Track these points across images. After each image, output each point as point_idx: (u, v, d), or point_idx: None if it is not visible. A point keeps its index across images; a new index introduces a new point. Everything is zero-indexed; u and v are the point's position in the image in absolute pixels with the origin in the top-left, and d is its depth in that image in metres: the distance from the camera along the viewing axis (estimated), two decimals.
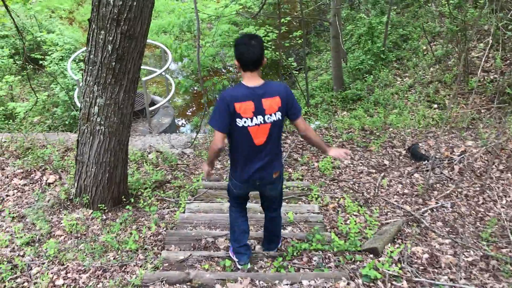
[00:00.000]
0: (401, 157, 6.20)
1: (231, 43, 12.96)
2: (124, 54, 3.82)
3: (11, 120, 8.67)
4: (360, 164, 6.09)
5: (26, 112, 8.71)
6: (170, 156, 6.28)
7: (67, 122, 8.94)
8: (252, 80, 2.98)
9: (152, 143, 6.76)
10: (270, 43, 11.39)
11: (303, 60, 9.25)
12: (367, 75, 11.14)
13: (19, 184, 5.33)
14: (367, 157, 6.22)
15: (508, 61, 8.92)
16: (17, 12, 12.57)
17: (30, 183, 5.38)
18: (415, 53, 11.25)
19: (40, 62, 10.75)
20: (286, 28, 13.17)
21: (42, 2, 15.38)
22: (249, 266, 3.63)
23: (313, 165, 6.03)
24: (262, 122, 3.01)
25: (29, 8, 12.16)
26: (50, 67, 10.49)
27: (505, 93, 8.00)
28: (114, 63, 3.83)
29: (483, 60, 6.14)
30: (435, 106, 9.34)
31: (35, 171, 5.57)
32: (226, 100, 2.96)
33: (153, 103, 7.97)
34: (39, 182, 5.39)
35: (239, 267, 3.63)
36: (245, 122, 2.99)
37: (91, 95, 4.02)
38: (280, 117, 3.05)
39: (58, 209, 4.70)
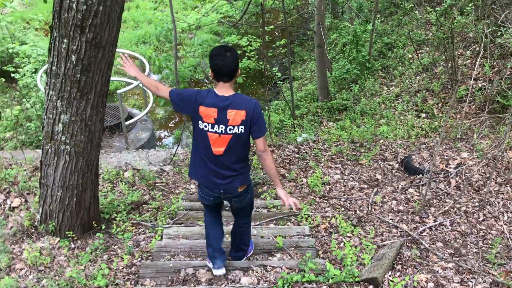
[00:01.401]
0: (393, 171, 5.86)
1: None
2: (90, 64, 3.40)
3: None
4: (351, 179, 5.73)
5: None
6: (148, 174, 5.84)
7: (41, 138, 8.43)
8: (223, 90, 3.02)
9: (128, 160, 6.31)
10: (253, 52, 11.05)
11: (288, 70, 8.91)
12: (352, 85, 10.87)
13: None
14: (358, 172, 5.86)
15: (496, 69, 8.70)
16: None
17: None
18: (401, 62, 11.02)
19: (12, 75, 10.24)
20: (269, 38, 12.89)
21: (15, 13, 14.84)
22: (224, 271, 3.61)
23: (302, 181, 5.65)
24: (223, 132, 3.03)
25: None
26: (22, 79, 9.99)
27: (495, 101, 7.76)
28: (79, 75, 3.41)
29: (476, 67, 5.84)
30: (424, 115, 9.07)
31: None
32: (197, 94, 3.06)
33: (130, 116, 7.53)
34: (1, 206, 4.90)
35: (214, 272, 3.60)
36: (205, 126, 3.05)
37: (54, 111, 3.59)
38: (243, 131, 3.03)
39: (21, 237, 4.23)
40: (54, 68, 3.44)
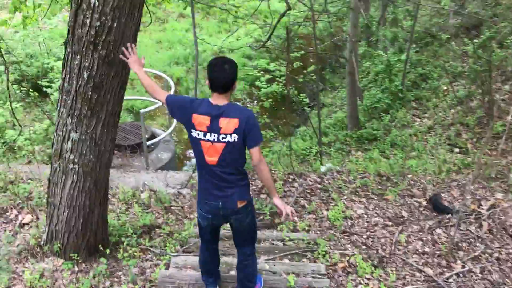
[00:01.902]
0: (421, 209, 5.51)
1: (241, 75, 12.51)
2: (102, 82, 3.29)
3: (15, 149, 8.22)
4: (375, 214, 5.42)
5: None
6: (164, 196, 5.68)
7: None
8: (218, 100, 3.01)
9: (146, 181, 6.17)
10: (283, 77, 10.90)
11: (316, 96, 8.71)
12: (383, 115, 10.56)
13: None
14: (383, 207, 5.54)
15: None
16: (27, 39, 12.35)
17: (4, 222, 4.81)
18: (435, 93, 10.65)
19: (45, 89, 10.39)
20: (301, 63, 12.71)
21: (55, 30, 15.21)
22: None
23: (322, 213, 5.38)
24: (216, 140, 3.00)
25: (38, 34, 11.91)
26: (53, 94, 10.11)
27: None
28: (90, 93, 3.30)
29: None
30: (457, 150, 8.68)
31: (11, 208, 5.01)
32: (192, 102, 3.06)
33: (153, 136, 7.43)
34: (13, 222, 4.81)
35: None
36: (198, 134, 3.03)
37: (64, 129, 3.48)
38: (237, 140, 2.99)
39: (25, 256, 4.10)
40: (65, 84, 3.34)
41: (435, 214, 5.36)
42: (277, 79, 10.96)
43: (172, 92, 6.86)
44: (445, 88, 10.58)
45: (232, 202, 3.14)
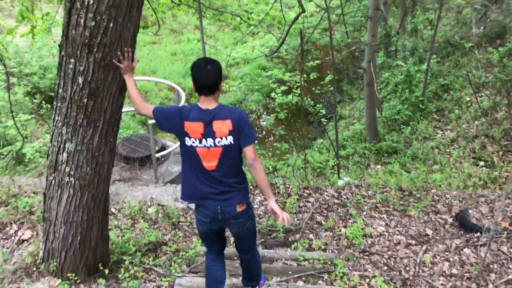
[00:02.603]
0: (447, 226, 5.13)
1: (255, 87, 12.25)
2: (98, 88, 3.02)
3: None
4: (397, 232, 5.05)
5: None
6: (172, 211, 5.39)
7: None
8: (206, 103, 2.94)
9: (154, 195, 5.90)
10: (299, 88, 10.61)
11: (333, 107, 8.38)
12: (404, 126, 10.17)
13: None
14: (406, 224, 5.17)
15: None
16: (41, 51, 12.31)
17: (3, 238, 4.56)
18: (458, 105, 10.24)
19: None
20: (318, 74, 12.43)
21: None
22: None
23: (340, 231, 5.02)
24: (212, 145, 2.94)
25: (52, 46, 11.86)
26: None
27: None
28: (86, 100, 3.03)
29: None
30: (482, 163, 8.26)
31: (11, 223, 4.76)
32: (181, 111, 2.96)
33: (163, 148, 7.17)
34: (12, 238, 4.56)
35: None
36: (193, 142, 2.95)
37: (59, 139, 3.22)
38: (233, 142, 2.95)
39: (20, 276, 3.83)
40: (60, 91, 3.08)
41: (462, 232, 4.98)
42: (294, 90, 10.69)
43: (182, 103, 6.61)
44: (468, 99, 10.16)
45: (231, 206, 3.06)
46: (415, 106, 10.43)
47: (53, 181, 3.38)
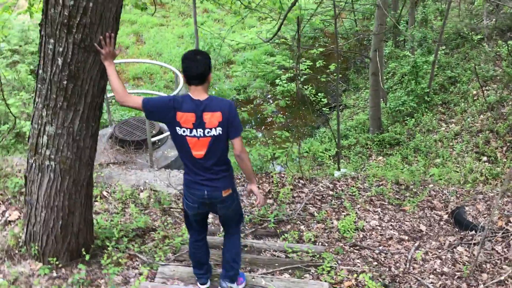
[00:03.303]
0: (441, 223, 5.03)
1: (258, 73, 12.09)
2: (78, 71, 2.92)
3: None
4: (390, 227, 4.96)
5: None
6: (164, 197, 5.33)
7: None
8: (197, 93, 3.03)
9: (148, 180, 5.83)
10: (304, 76, 10.44)
11: (336, 96, 8.24)
12: (408, 118, 10.02)
13: None
14: (400, 219, 5.07)
15: None
16: None
17: None
18: (464, 98, 10.05)
19: None
20: (324, 62, 12.24)
21: None
22: (208, 284, 3.66)
23: (332, 223, 4.94)
24: (202, 135, 3.06)
25: None
26: None
27: None
28: (66, 82, 2.94)
29: None
30: (485, 159, 8.12)
31: (0, 203, 4.72)
32: (173, 101, 3.03)
33: (161, 132, 7.08)
34: (0, 218, 4.52)
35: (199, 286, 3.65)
36: (183, 131, 3.05)
37: (39, 121, 3.14)
38: (221, 133, 3.07)
39: (2, 258, 3.78)
40: (40, 72, 2.99)
41: (457, 229, 4.88)
42: (298, 77, 10.53)
43: (180, 86, 6.49)
44: (474, 92, 9.97)
45: (218, 192, 3.21)
46: (420, 97, 10.26)
47: (34, 164, 3.31)
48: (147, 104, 3.02)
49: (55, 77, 2.93)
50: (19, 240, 3.92)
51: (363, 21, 16.71)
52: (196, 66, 2.96)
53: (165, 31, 17.02)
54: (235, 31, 17.10)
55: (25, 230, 3.72)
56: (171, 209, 5.22)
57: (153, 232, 4.60)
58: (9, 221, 4.45)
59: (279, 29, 5.34)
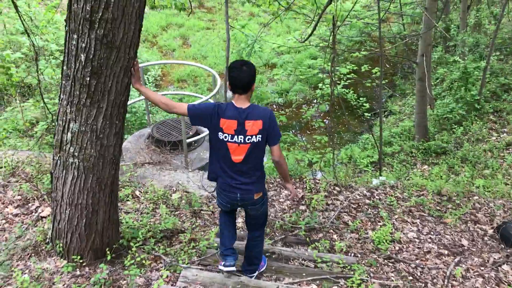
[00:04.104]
0: (485, 238, 4.69)
1: (300, 76, 11.90)
2: (101, 67, 2.88)
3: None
4: (429, 240, 4.67)
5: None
6: (195, 199, 5.26)
7: None
8: (240, 102, 3.20)
9: (181, 181, 5.79)
10: (349, 80, 10.15)
11: (379, 102, 7.95)
12: (456, 126, 9.55)
13: (11, 213, 4.55)
14: (440, 232, 4.77)
15: None
16: None
17: (24, 213, 4.58)
18: None
19: None
20: (369, 67, 11.92)
21: None
22: (234, 268, 3.64)
23: (366, 233, 4.70)
24: (242, 141, 3.21)
25: None
26: None
27: None
28: (88, 78, 2.90)
29: None
30: None
31: (34, 199, 4.79)
32: (217, 108, 3.19)
33: (197, 133, 7.05)
34: (32, 214, 4.57)
35: (224, 269, 3.62)
36: (225, 137, 3.20)
37: (64, 118, 3.12)
38: (260, 139, 3.24)
39: (29, 253, 3.81)
40: (65, 68, 2.97)
41: (503, 246, 4.53)
42: (343, 82, 10.27)
43: (218, 87, 6.44)
44: None
45: (250, 195, 3.40)
46: (470, 105, 9.77)
47: (59, 161, 3.30)
48: (193, 111, 3.22)
49: (78, 74, 2.90)
50: (47, 236, 3.94)
51: (412, 25, 16.21)
52: (243, 76, 3.12)
53: (211, 34, 17.14)
54: (280, 35, 17.02)
55: (51, 226, 3.72)
56: (202, 211, 5.14)
57: (181, 234, 4.53)
58: (42, 217, 4.51)
59: (314, 29, 5.15)
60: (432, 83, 11.13)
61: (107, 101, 3.03)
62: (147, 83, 12.67)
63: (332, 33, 4.87)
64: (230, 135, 3.19)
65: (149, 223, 4.58)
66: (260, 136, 3.22)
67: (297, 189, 5.53)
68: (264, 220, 3.74)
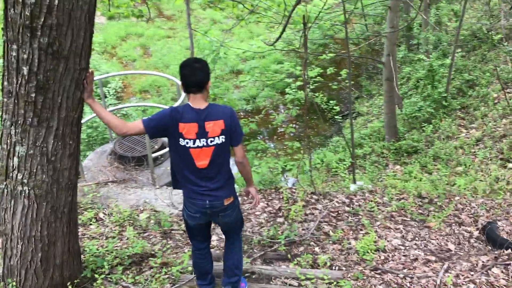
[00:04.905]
0: (472, 240, 4.51)
1: (267, 82, 11.67)
2: (48, 81, 2.51)
3: None
4: (415, 246, 4.45)
5: None
6: (165, 218, 4.90)
7: None
8: (196, 102, 2.99)
9: (148, 199, 5.41)
10: (315, 84, 9.95)
11: (349, 104, 7.76)
12: (425, 124, 9.49)
13: None
14: (425, 237, 4.57)
15: None
16: None
17: None
18: (484, 101, 9.50)
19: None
20: (335, 69, 11.79)
21: None
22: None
23: (349, 243, 4.45)
24: (205, 145, 3.01)
25: None
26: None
27: None
28: (34, 94, 2.53)
29: None
30: (511, 165, 7.55)
31: None
32: (173, 113, 2.96)
33: (163, 147, 6.67)
34: None
35: None
36: (187, 143, 2.99)
37: (8, 141, 2.73)
38: (224, 140, 3.05)
39: None
40: (5, 83, 2.59)
41: (490, 248, 4.35)
42: (311, 85, 10.07)
43: (182, 97, 6.09)
44: (495, 95, 9.42)
45: (220, 200, 3.17)
46: (437, 102, 9.74)
47: (5, 190, 2.90)
48: (149, 125, 2.96)
49: (22, 89, 2.52)
50: None
51: (374, 26, 16.25)
52: (195, 74, 2.93)
53: (172, 42, 16.74)
54: (243, 40, 16.76)
55: (2, 264, 3.30)
56: (172, 231, 4.78)
57: (151, 259, 4.16)
58: None
59: (283, 30, 4.91)
60: (399, 83, 11.08)
61: (58, 119, 2.66)
62: (107, 95, 12.16)
63: (304, 34, 4.62)
64: (192, 140, 2.98)
65: (115, 248, 4.20)
66: (224, 136, 3.03)
67: (272, 200, 5.25)
68: (240, 224, 3.52)
